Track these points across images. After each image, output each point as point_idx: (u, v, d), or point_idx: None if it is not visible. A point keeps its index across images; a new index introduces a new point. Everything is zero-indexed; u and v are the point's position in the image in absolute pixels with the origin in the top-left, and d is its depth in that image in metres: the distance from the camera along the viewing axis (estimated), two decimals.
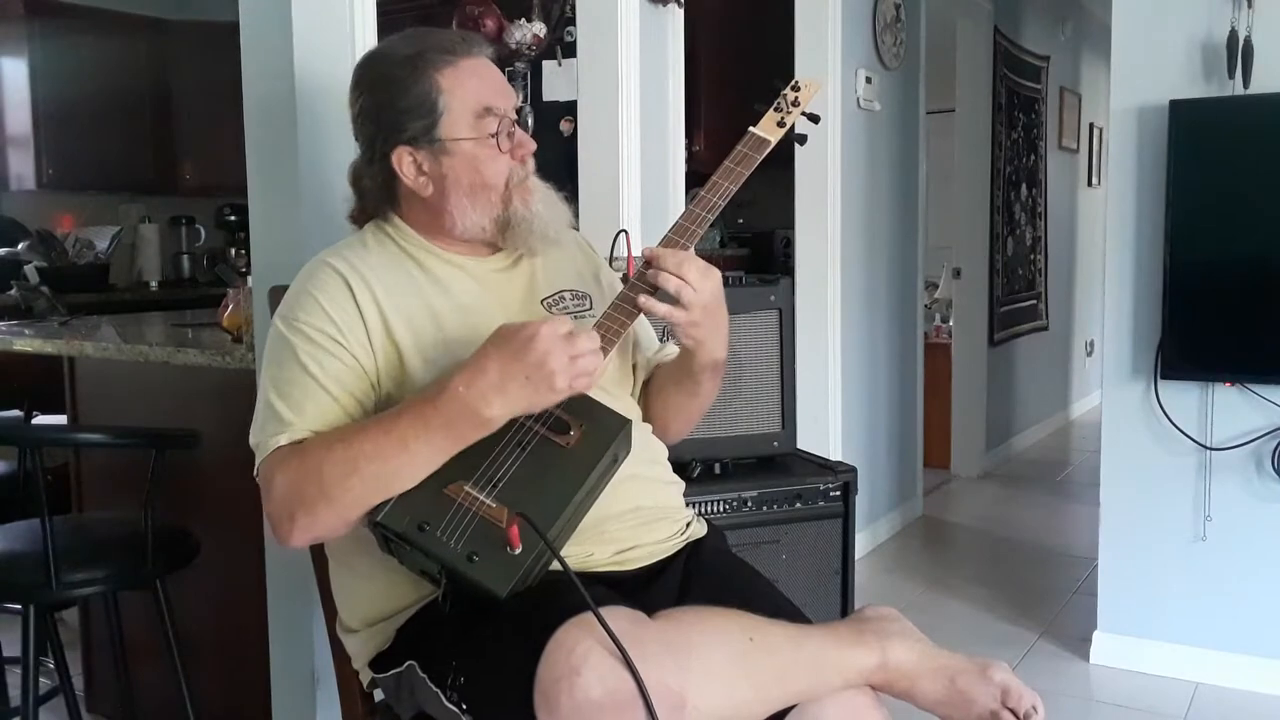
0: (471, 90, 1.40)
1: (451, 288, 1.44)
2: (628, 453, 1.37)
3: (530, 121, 1.51)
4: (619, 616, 1.19)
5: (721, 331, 1.45)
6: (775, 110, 1.44)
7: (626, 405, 1.52)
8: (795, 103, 1.44)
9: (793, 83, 1.46)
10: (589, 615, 1.17)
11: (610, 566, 1.40)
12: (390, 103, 1.41)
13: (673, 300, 1.34)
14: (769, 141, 1.43)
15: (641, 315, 1.38)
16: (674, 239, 1.40)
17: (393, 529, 1.25)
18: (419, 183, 1.43)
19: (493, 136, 1.41)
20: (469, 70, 1.41)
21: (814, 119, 1.50)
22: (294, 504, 1.26)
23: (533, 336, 1.22)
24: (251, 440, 1.34)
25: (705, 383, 1.52)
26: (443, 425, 1.23)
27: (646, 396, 1.61)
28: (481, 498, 1.26)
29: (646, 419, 1.60)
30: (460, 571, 1.23)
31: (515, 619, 1.23)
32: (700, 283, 1.35)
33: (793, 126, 1.46)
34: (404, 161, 1.42)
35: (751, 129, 1.44)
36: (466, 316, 1.42)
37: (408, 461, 1.24)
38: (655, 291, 1.35)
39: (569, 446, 1.29)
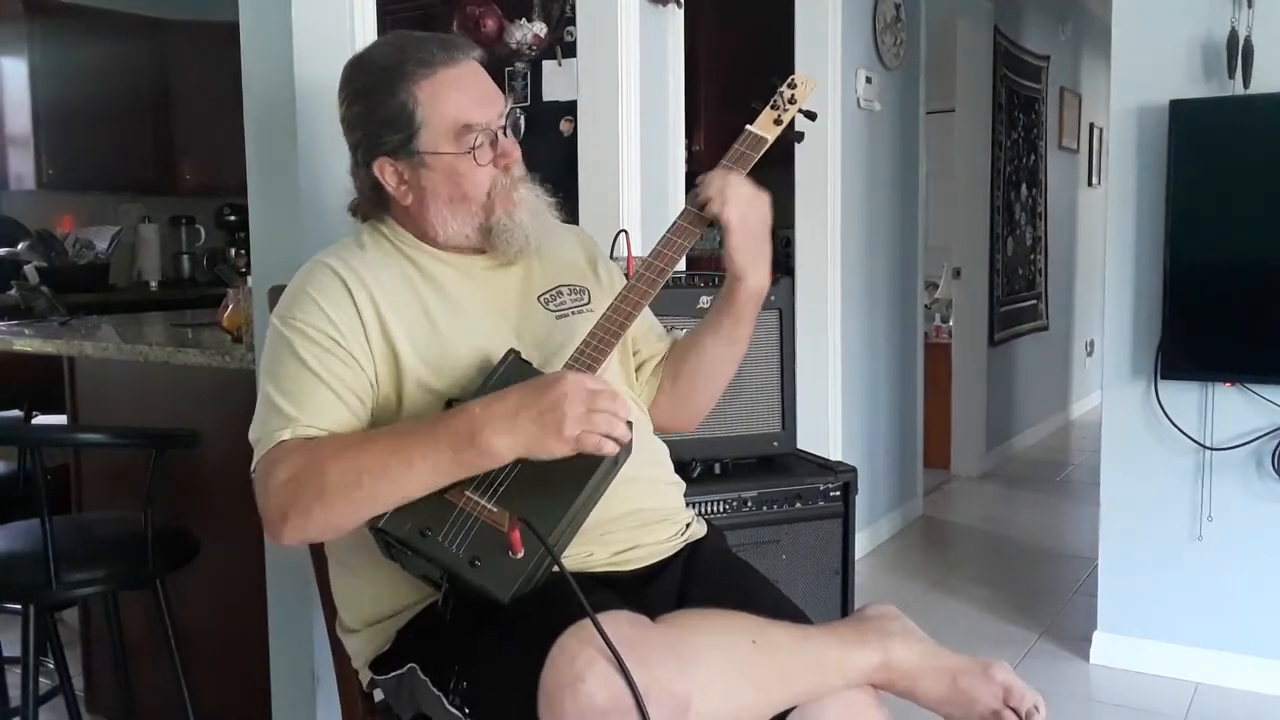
0: (451, 104, 1.38)
1: (446, 287, 1.44)
2: (628, 455, 1.37)
3: (522, 123, 1.49)
4: (621, 621, 1.19)
5: (766, 258, 1.45)
6: (772, 108, 1.44)
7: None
8: (792, 100, 1.44)
9: (789, 80, 1.46)
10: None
11: (609, 566, 1.40)
12: (369, 114, 1.40)
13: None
14: (766, 139, 1.43)
15: (647, 309, 1.38)
16: (672, 238, 1.41)
17: (395, 534, 1.25)
18: (400, 191, 1.42)
19: (471, 151, 1.39)
20: (449, 82, 1.39)
21: (811, 116, 1.50)
22: (289, 503, 1.26)
23: (558, 379, 1.22)
24: (251, 436, 1.34)
25: (746, 321, 1.51)
26: (450, 446, 1.22)
27: (671, 369, 1.59)
28: (483, 503, 1.26)
29: (672, 393, 1.59)
30: (462, 576, 1.23)
31: (518, 623, 1.23)
32: (754, 198, 1.39)
33: (790, 124, 1.46)
34: (385, 171, 1.41)
35: (748, 127, 1.43)
36: (462, 315, 1.42)
37: (410, 479, 1.24)
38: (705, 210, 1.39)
39: None
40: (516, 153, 1.45)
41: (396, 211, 1.47)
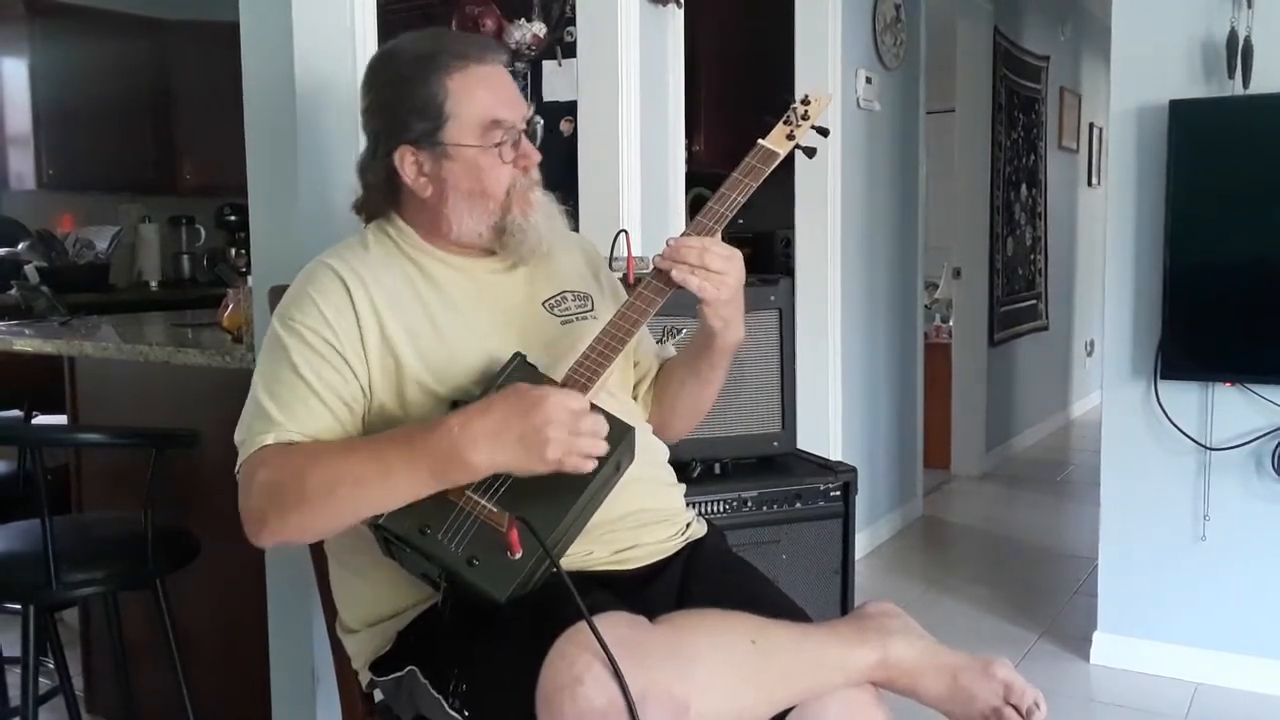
0: (480, 99, 1.40)
1: (450, 290, 1.44)
2: (631, 460, 1.37)
3: (540, 130, 1.51)
4: (619, 623, 1.19)
5: (741, 312, 1.47)
6: (784, 123, 1.44)
7: (629, 409, 1.52)
8: (805, 116, 1.44)
9: (802, 96, 1.46)
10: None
11: (609, 565, 1.40)
12: (398, 101, 1.41)
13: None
14: (777, 154, 1.43)
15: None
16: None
17: (394, 531, 1.25)
18: (419, 183, 1.42)
19: (497, 147, 1.40)
20: (480, 78, 1.41)
21: (823, 132, 1.49)
22: (268, 506, 1.27)
23: (542, 399, 1.21)
24: (237, 437, 1.34)
25: (722, 366, 1.54)
26: (428, 458, 1.22)
27: (655, 393, 1.61)
28: (483, 502, 1.26)
29: (655, 415, 1.61)
30: (460, 575, 1.23)
31: (517, 625, 1.23)
32: (726, 265, 1.37)
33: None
34: (406, 160, 1.41)
35: (760, 141, 1.44)
36: (464, 319, 1.42)
37: (388, 489, 1.24)
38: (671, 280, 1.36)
39: None
40: (536, 157, 1.46)
41: (408, 207, 1.47)
